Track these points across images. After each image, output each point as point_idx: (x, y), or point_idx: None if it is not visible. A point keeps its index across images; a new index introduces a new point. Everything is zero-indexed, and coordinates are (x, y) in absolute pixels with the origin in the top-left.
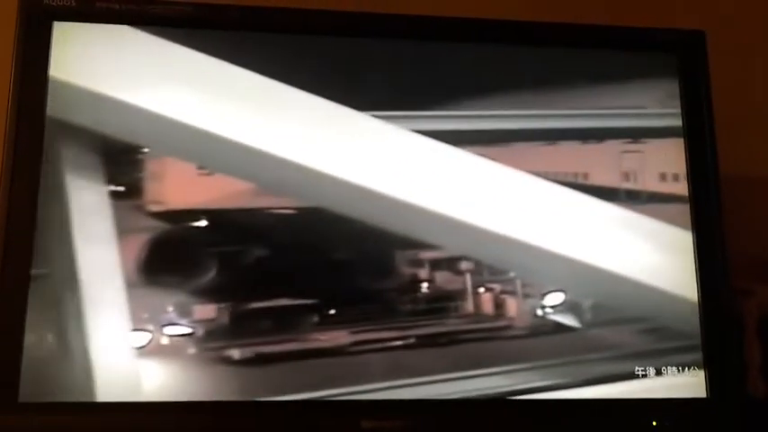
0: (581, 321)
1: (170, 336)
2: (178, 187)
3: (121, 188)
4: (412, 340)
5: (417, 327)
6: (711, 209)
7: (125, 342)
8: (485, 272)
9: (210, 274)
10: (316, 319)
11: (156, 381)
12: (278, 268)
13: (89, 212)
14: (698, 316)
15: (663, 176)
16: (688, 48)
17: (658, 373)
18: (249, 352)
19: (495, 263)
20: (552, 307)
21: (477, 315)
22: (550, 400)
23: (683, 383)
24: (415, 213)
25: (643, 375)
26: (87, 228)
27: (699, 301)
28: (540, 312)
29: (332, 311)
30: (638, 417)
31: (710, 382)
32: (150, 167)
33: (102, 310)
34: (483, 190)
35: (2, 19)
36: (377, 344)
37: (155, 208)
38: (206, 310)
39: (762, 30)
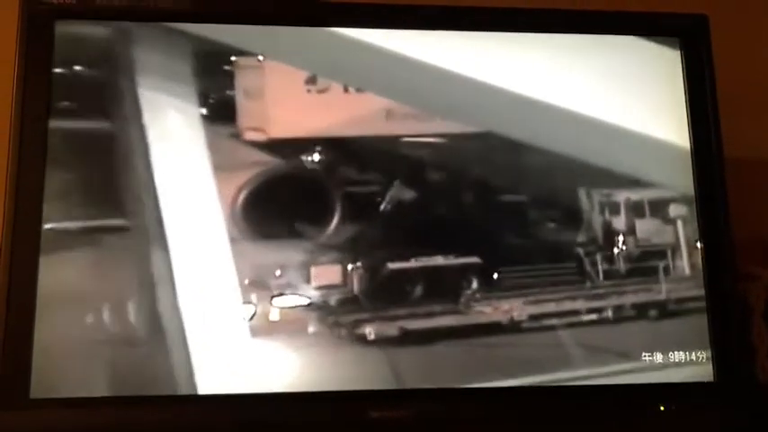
0: None
1: (282, 308)
2: (284, 108)
3: (211, 110)
4: (608, 313)
5: (615, 294)
6: (716, 193)
7: (223, 317)
8: None
9: (333, 225)
10: (479, 283)
11: (265, 369)
12: (427, 216)
13: (172, 142)
14: (704, 300)
15: None
16: (691, 32)
17: (665, 357)
18: (390, 329)
19: None
20: None
21: (695, 278)
22: (558, 386)
23: (689, 368)
24: (616, 137)
25: (650, 360)
26: (168, 165)
27: (705, 285)
28: None
29: (501, 274)
30: (646, 401)
31: (717, 367)
32: (246, 80)
33: (194, 275)
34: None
35: (4, 18)
36: (561, 318)
37: (254, 136)
38: (329, 273)
39: (765, 13)
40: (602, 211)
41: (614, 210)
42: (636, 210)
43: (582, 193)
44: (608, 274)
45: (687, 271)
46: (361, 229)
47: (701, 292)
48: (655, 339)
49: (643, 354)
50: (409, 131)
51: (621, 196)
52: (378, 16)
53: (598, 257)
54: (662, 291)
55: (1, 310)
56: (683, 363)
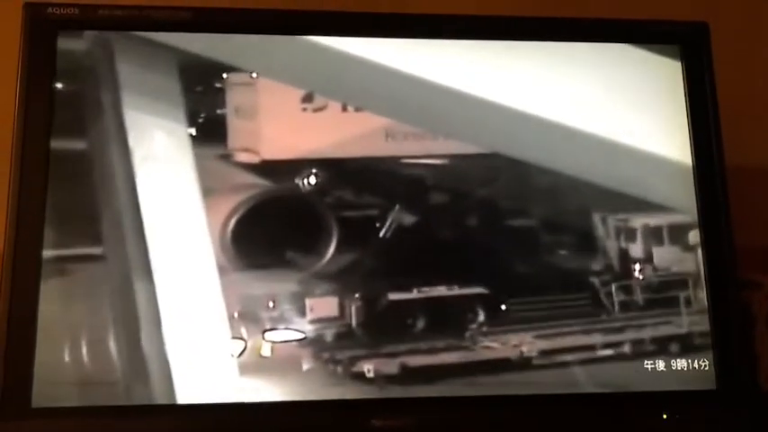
0: None
1: (274, 342)
2: (277, 128)
3: (200, 130)
4: (626, 348)
5: (631, 328)
6: (718, 200)
7: (210, 353)
8: None
9: (330, 253)
10: (486, 316)
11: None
12: (430, 243)
13: (157, 164)
14: (706, 308)
15: None
16: (691, 40)
17: (667, 365)
18: (390, 366)
19: None
20: None
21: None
22: (560, 394)
23: (692, 376)
24: (629, 158)
25: (652, 368)
26: (154, 188)
27: (707, 293)
28: None
29: (509, 305)
30: (648, 409)
31: (720, 374)
32: (238, 98)
33: (179, 306)
34: None
35: (6, 29)
36: (575, 353)
37: (245, 158)
38: (325, 305)
39: (765, 20)
40: (617, 238)
41: (630, 236)
42: (654, 236)
43: (596, 219)
44: (624, 306)
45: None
46: (360, 258)
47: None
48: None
49: (645, 361)
50: (411, 152)
51: (638, 222)
52: (376, 25)
53: (613, 287)
54: (683, 324)
55: (2, 321)
56: (685, 370)
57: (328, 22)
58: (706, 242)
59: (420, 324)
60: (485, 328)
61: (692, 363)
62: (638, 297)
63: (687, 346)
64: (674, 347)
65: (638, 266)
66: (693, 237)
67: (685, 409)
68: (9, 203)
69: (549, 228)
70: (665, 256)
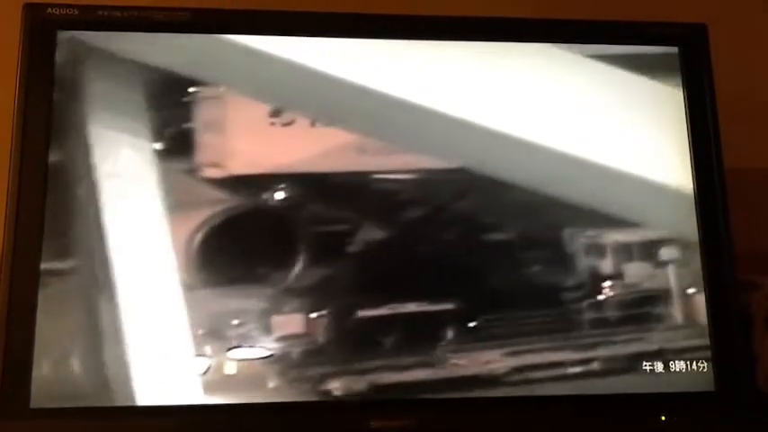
0: None
1: (239, 361)
2: (245, 142)
3: (166, 144)
4: (595, 365)
5: (602, 345)
6: (716, 202)
7: (174, 371)
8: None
9: (298, 269)
10: (455, 333)
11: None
12: (401, 259)
13: (122, 180)
14: (705, 309)
15: None
16: (689, 41)
17: (666, 367)
18: (359, 383)
19: None
20: None
21: (690, 327)
22: (559, 396)
23: (690, 377)
24: (597, 175)
25: (651, 370)
26: (119, 204)
27: (706, 295)
28: None
29: (479, 322)
30: (647, 411)
31: (718, 376)
32: (205, 112)
33: (141, 323)
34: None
35: (5, 29)
36: (546, 370)
37: (212, 173)
38: (292, 322)
39: (763, 21)
40: (588, 254)
41: (601, 253)
42: (626, 252)
43: (568, 235)
44: (597, 323)
45: (682, 319)
46: (329, 274)
47: (703, 341)
48: (655, 348)
49: (644, 363)
50: (380, 167)
51: (610, 238)
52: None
53: (585, 304)
54: (655, 340)
55: (1, 321)
56: (683, 372)
57: (331, 22)
58: (705, 243)
59: (390, 341)
60: (455, 346)
61: (691, 365)
62: (610, 313)
63: (662, 363)
64: (646, 365)
65: (609, 283)
66: (665, 253)
67: (684, 410)
68: (8, 205)
69: (519, 244)
70: (637, 272)
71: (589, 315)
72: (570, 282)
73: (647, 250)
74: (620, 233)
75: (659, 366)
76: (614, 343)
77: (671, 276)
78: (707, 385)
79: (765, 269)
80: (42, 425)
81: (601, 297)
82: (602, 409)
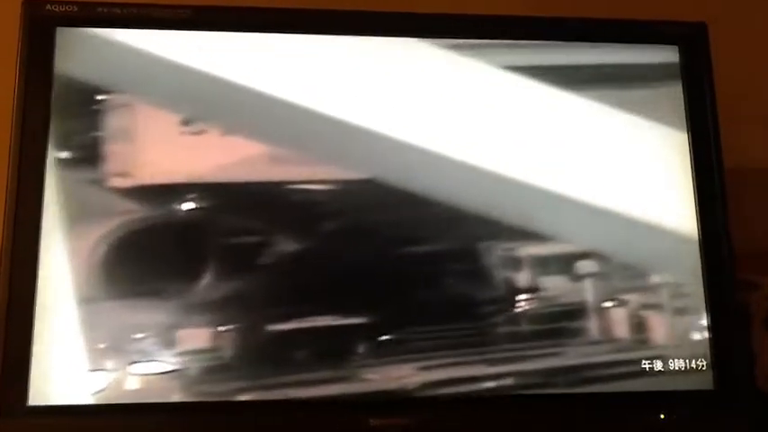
0: None
1: (140, 376)
2: (155, 151)
3: (71, 153)
4: (509, 381)
5: (517, 360)
6: (716, 202)
7: (72, 386)
8: (615, 275)
9: (206, 281)
10: (368, 347)
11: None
12: (312, 271)
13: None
14: (704, 307)
15: None
16: (689, 40)
17: (665, 365)
18: (265, 398)
19: (633, 260)
20: None
21: (606, 341)
22: (557, 394)
23: (689, 376)
24: (511, 189)
25: (650, 368)
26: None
27: (705, 293)
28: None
29: (392, 336)
30: (646, 410)
31: (717, 375)
32: (113, 121)
33: (42, 337)
34: (611, 155)
35: (4, 25)
36: (458, 385)
37: (119, 183)
38: (198, 336)
39: (764, 20)
40: (505, 268)
41: (518, 266)
42: (542, 266)
43: (484, 248)
44: (513, 337)
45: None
46: (238, 286)
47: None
48: (654, 347)
49: (643, 361)
50: (292, 177)
51: (526, 251)
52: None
53: (501, 318)
54: (572, 355)
55: (0, 318)
56: (682, 371)
57: (333, 19)
58: (704, 242)
59: (300, 356)
60: (368, 360)
61: (690, 363)
62: (527, 327)
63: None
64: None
65: (526, 296)
66: (582, 266)
67: (683, 409)
68: (7, 202)
69: (434, 257)
70: (554, 285)
71: (506, 329)
72: (486, 295)
73: (564, 264)
74: (536, 247)
75: (658, 365)
76: (530, 357)
77: (588, 290)
78: (706, 384)
79: (764, 269)
80: (40, 423)
81: (517, 311)
82: (600, 408)
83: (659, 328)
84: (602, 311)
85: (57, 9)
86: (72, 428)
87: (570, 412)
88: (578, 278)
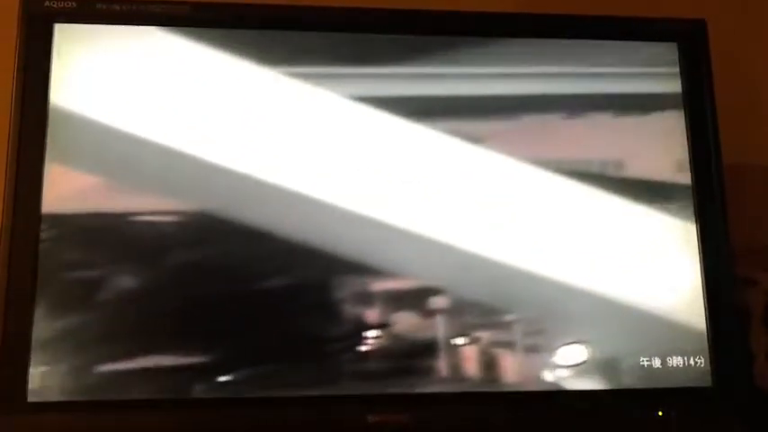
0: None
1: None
2: None
3: None
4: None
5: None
6: (714, 198)
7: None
8: (467, 313)
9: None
10: (202, 387)
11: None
12: (149, 307)
13: None
14: (702, 306)
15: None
16: (688, 37)
17: (663, 362)
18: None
19: (485, 298)
20: (571, 366)
21: (456, 379)
22: (556, 391)
23: (687, 373)
24: (357, 224)
25: (648, 365)
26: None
27: (703, 290)
28: (551, 375)
29: (228, 376)
30: (643, 406)
31: (715, 372)
32: None
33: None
34: (461, 188)
35: (3, 21)
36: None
37: None
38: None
39: (763, 16)
40: (353, 304)
41: (367, 302)
42: (394, 302)
43: (331, 283)
44: (364, 374)
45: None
46: (69, 324)
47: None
48: (652, 344)
49: (641, 358)
50: (128, 209)
51: (376, 287)
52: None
53: (351, 354)
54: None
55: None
56: (681, 367)
57: (329, 15)
58: (703, 239)
59: (135, 395)
60: (202, 399)
61: (688, 360)
62: (377, 364)
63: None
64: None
65: (376, 332)
66: (434, 302)
67: (681, 406)
68: (5, 198)
69: (278, 293)
70: (405, 321)
71: (355, 366)
72: (333, 332)
73: (416, 300)
74: (386, 282)
75: (656, 362)
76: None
77: (439, 326)
78: (704, 381)
79: (763, 265)
80: (39, 419)
81: (367, 347)
82: (598, 404)
83: (509, 365)
84: (452, 348)
85: (55, 5)
86: (71, 425)
87: (568, 409)
88: (429, 314)
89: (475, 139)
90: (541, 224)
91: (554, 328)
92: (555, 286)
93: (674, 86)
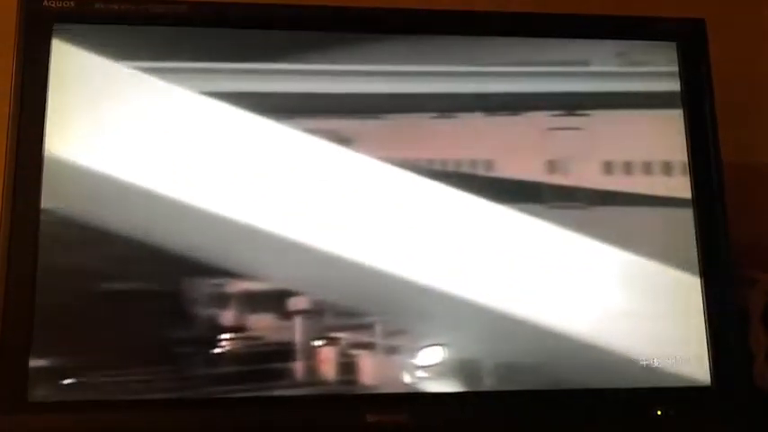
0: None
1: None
2: None
3: None
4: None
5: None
6: (714, 197)
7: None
8: (327, 314)
9: None
10: (48, 389)
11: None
12: None
13: None
14: (701, 307)
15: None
16: (688, 37)
17: (662, 362)
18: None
19: (344, 300)
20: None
21: (314, 382)
22: (555, 390)
23: (687, 372)
24: (209, 224)
25: (647, 364)
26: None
27: (702, 289)
28: (409, 377)
29: (79, 379)
30: (642, 406)
31: (715, 371)
32: None
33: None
34: (322, 187)
35: (2, 22)
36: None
37: None
38: None
39: (763, 16)
40: (208, 306)
41: (224, 304)
42: (250, 304)
43: (184, 285)
44: (219, 377)
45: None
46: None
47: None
48: (652, 343)
49: (640, 358)
50: None
51: (233, 288)
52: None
53: (204, 358)
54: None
55: None
56: (680, 367)
57: (325, 16)
58: (702, 239)
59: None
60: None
61: (688, 360)
62: (230, 367)
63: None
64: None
65: (231, 335)
66: (292, 304)
67: (681, 406)
68: (4, 197)
69: (129, 295)
70: (261, 324)
71: (208, 369)
72: (187, 335)
73: (273, 302)
74: (242, 284)
75: (655, 361)
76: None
77: (297, 328)
78: (703, 380)
79: (762, 264)
80: (40, 419)
81: (222, 350)
82: (598, 403)
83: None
84: (311, 350)
85: (54, 5)
86: (72, 425)
87: (567, 408)
88: (287, 316)
89: (341, 139)
90: (405, 225)
91: (414, 330)
92: (417, 288)
93: (672, 86)
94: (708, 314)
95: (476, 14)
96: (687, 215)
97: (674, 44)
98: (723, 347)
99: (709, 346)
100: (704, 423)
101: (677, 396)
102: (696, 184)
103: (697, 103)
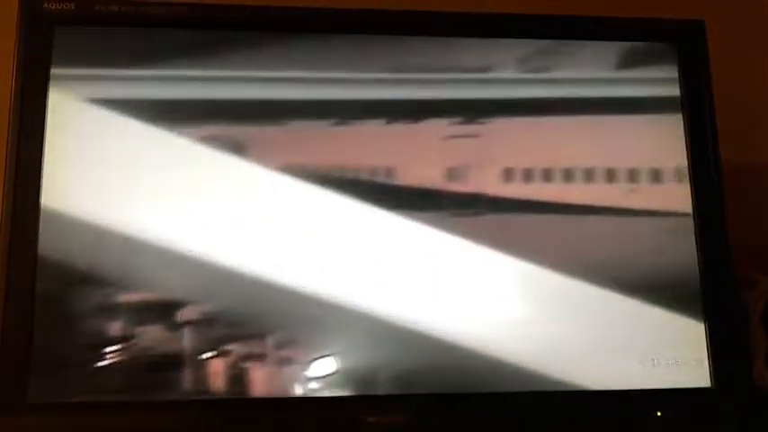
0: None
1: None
2: None
3: None
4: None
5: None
6: (713, 198)
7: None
8: (217, 324)
9: None
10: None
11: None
12: None
13: None
14: (702, 304)
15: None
16: (687, 38)
17: (662, 363)
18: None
19: (235, 309)
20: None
21: (203, 392)
22: (555, 392)
23: (687, 373)
24: (99, 235)
25: (646, 366)
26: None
27: (702, 290)
28: (302, 387)
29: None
30: (642, 407)
31: (715, 373)
32: None
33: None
34: (216, 195)
35: (2, 24)
36: None
37: None
38: None
39: (761, 17)
40: (96, 317)
41: (111, 315)
42: (138, 314)
43: (71, 294)
44: (103, 388)
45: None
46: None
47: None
48: (651, 344)
49: (640, 359)
50: None
51: (121, 299)
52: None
53: (89, 369)
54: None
55: None
56: (680, 368)
57: (331, 19)
58: (702, 240)
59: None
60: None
61: (688, 360)
62: (117, 378)
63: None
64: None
65: (118, 346)
66: (181, 315)
67: (681, 406)
68: (4, 198)
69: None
70: (150, 334)
71: (96, 379)
72: (73, 345)
73: (162, 313)
74: (130, 295)
75: (656, 362)
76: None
77: (186, 339)
78: (703, 381)
79: (762, 266)
80: (40, 420)
81: (108, 361)
82: (598, 404)
83: (258, 377)
84: (201, 362)
85: (54, 7)
86: (72, 425)
87: (567, 409)
88: (176, 327)
89: (238, 146)
90: (299, 234)
91: (307, 340)
92: (310, 299)
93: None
94: (708, 315)
95: (389, 13)
96: (687, 222)
97: (663, 45)
98: (723, 348)
99: (709, 347)
100: (705, 423)
101: (677, 397)
102: (696, 186)
103: (697, 104)
